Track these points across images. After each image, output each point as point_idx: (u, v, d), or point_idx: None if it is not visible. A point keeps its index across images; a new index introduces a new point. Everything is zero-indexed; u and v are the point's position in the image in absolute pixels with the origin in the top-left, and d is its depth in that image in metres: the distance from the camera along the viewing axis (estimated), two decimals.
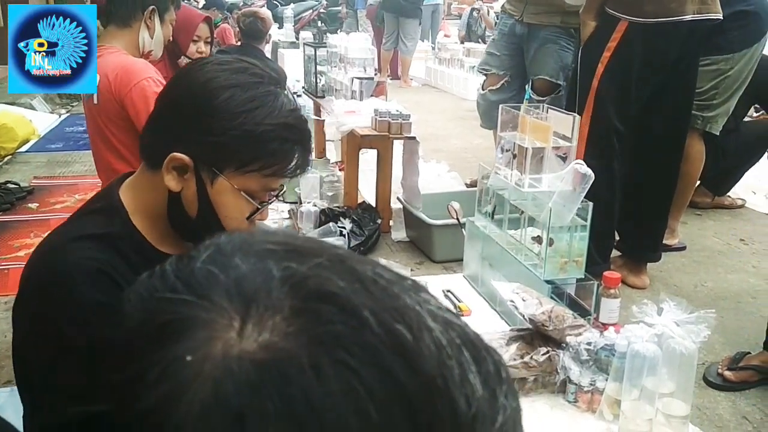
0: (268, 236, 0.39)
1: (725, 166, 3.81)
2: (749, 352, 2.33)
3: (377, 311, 0.34)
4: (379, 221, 3.38)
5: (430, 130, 5.74)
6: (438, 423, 0.33)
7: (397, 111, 3.40)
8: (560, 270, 1.62)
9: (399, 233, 3.49)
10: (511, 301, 1.43)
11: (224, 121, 0.98)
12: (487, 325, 1.62)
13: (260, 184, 1.03)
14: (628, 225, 2.89)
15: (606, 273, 1.56)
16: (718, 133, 3.27)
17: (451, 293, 1.84)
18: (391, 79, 8.26)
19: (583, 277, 1.63)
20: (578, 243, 1.63)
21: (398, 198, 3.50)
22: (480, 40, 9.14)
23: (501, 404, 0.36)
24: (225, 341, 0.32)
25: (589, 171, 1.57)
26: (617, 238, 2.96)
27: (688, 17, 2.55)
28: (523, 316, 1.40)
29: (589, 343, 1.34)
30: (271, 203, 1.09)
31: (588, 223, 1.61)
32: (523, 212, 1.75)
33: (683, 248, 3.39)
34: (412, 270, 3.01)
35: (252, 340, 0.32)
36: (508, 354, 1.37)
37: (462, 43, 8.90)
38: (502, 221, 1.83)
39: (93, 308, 0.92)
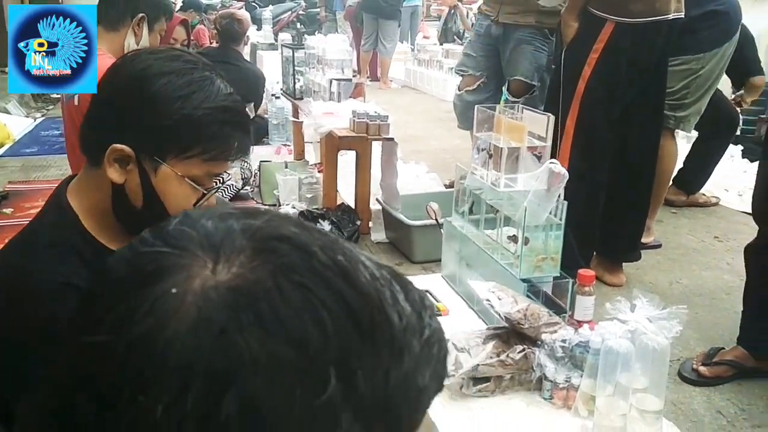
0: (226, 206, 0.47)
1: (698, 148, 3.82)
2: (723, 348, 2.36)
3: (323, 247, 0.42)
4: (358, 223, 3.38)
5: (410, 131, 5.75)
6: (378, 331, 0.41)
7: (375, 112, 3.40)
8: (536, 268, 1.64)
9: (378, 234, 3.49)
10: (487, 300, 1.44)
11: (162, 108, 0.97)
12: (465, 325, 1.62)
13: (203, 169, 1.03)
14: (608, 227, 2.86)
15: (581, 271, 1.56)
16: (690, 133, 3.32)
17: (429, 293, 1.85)
18: (370, 81, 8.27)
19: (559, 275, 1.65)
20: (553, 242, 1.64)
21: (377, 199, 3.50)
22: (456, 38, 9.15)
23: (426, 322, 0.44)
24: (202, 277, 0.39)
25: (564, 170, 1.58)
26: None
27: (671, 16, 2.56)
28: (499, 315, 1.42)
29: (564, 341, 1.36)
30: (217, 191, 1.08)
31: (563, 222, 1.62)
32: (498, 212, 1.76)
33: (658, 246, 3.43)
34: None
35: (224, 273, 0.39)
36: (485, 352, 1.38)
37: (441, 44, 8.93)
38: (479, 221, 1.84)
39: (63, 327, 0.90)
